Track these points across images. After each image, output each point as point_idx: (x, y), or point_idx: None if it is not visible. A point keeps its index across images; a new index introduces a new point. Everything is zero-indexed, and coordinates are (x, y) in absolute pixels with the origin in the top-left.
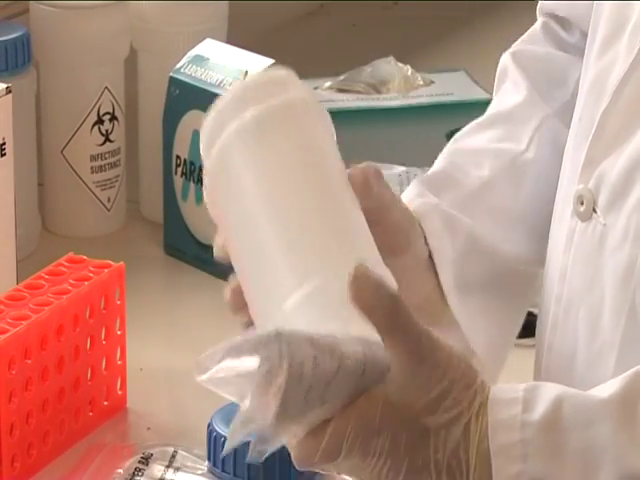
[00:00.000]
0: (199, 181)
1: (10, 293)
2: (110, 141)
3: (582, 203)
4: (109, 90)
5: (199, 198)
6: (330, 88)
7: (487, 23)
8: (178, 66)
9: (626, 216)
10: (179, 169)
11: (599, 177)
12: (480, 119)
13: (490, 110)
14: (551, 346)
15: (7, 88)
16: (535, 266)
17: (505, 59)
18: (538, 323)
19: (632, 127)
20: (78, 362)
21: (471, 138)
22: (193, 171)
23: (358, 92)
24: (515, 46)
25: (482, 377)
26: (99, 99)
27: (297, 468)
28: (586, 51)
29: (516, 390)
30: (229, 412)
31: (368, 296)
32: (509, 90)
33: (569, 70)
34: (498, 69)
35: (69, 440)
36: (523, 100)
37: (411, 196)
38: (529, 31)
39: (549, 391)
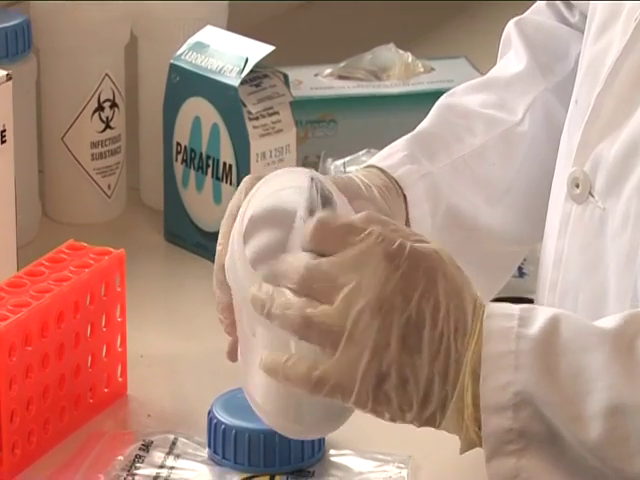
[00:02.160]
0: (199, 168)
1: (10, 280)
2: (110, 128)
3: (577, 186)
4: (109, 77)
5: (199, 185)
6: (330, 75)
7: (488, 10)
8: (178, 53)
9: (626, 200)
10: (179, 156)
11: (595, 160)
12: (476, 80)
13: (488, 74)
14: None
15: (7, 75)
16: (519, 245)
17: (509, 27)
18: None
19: (627, 111)
20: (78, 349)
21: (465, 97)
22: (193, 158)
23: (358, 79)
24: (520, 16)
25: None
26: (99, 86)
27: None
28: (585, 34)
29: (512, 308)
30: (230, 399)
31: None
32: (511, 59)
33: (571, 44)
34: (502, 37)
35: (69, 427)
36: (522, 70)
37: (397, 159)
38: (534, 5)
39: (546, 311)
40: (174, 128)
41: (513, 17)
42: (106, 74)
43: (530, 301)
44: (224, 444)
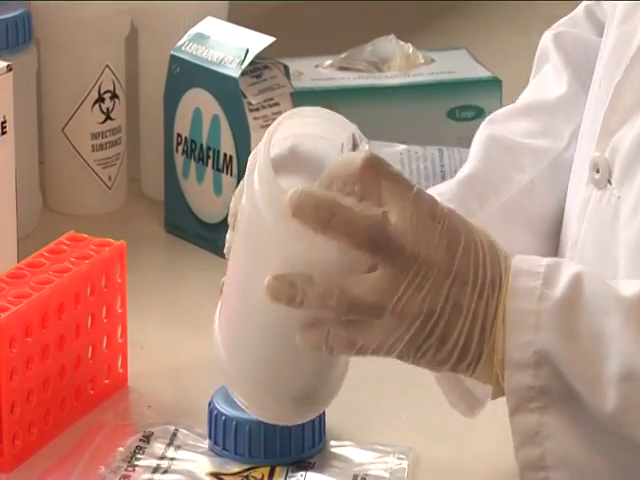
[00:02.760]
0: (200, 159)
1: (11, 271)
2: (111, 119)
3: (598, 171)
4: (110, 68)
5: (200, 176)
6: (331, 66)
7: (489, 1)
8: (179, 44)
9: (638, 189)
10: (180, 147)
11: (614, 147)
12: (518, 104)
13: (528, 95)
14: None
15: (8, 66)
16: None
17: (546, 40)
18: None
19: None
20: (79, 340)
21: (507, 125)
22: (194, 149)
23: (359, 70)
24: (557, 27)
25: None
26: (100, 77)
27: None
28: (607, 20)
29: (539, 265)
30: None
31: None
32: (550, 76)
33: None
34: (538, 49)
35: (70, 418)
36: (565, 93)
37: (448, 200)
38: (571, 14)
39: (571, 268)
40: (174, 119)
41: (514, 9)
42: (106, 65)
43: None
44: (224, 435)
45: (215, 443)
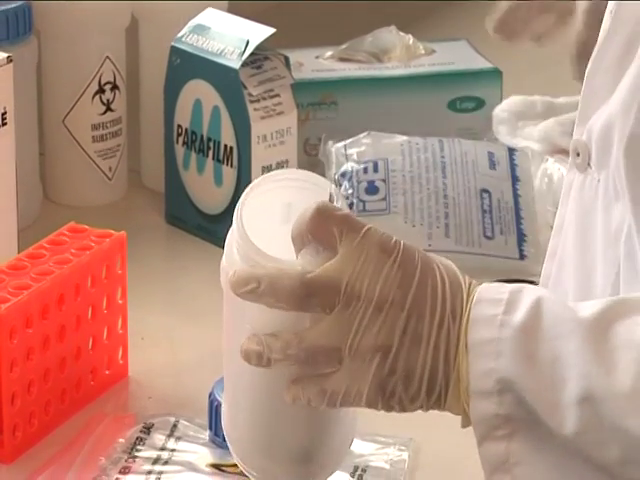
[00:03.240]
0: (200, 151)
1: (11, 262)
2: (111, 110)
3: (578, 155)
4: (110, 59)
5: (200, 167)
6: (332, 57)
7: None
8: (179, 35)
9: (610, 174)
10: (180, 138)
11: (589, 131)
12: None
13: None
14: None
15: (8, 57)
16: None
17: None
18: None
19: (612, 85)
20: (79, 331)
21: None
22: (194, 140)
23: (360, 61)
24: None
25: (468, 279)
26: (100, 68)
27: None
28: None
29: (502, 292)
30: None
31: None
32: None
33: None
34: None
35: (70, 409)
36: None
37: None
38: None
39: (532, 294)
40: (175, 110)
41: None
42: (107, 57)
43: (531, 283)
44: None
45: (215, 434)
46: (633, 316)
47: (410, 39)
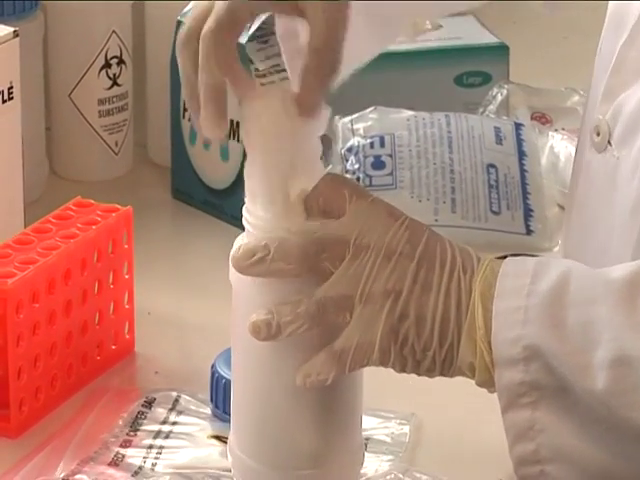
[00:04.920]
0: None
1: (18, 237)
2: (118, 85)
3: (598, 134)
4: (116, 34)
5: (207, 142)
6: None
7: None
8: (186, 10)
9: (637, 150)
10: (187, 113)
11: (616, 109)
12: None
13: None
14: None
15: (14, 32)
16: None
17: None
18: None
19: None
20: (86, 306)
21: None
22: None
23: None
24: None
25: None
26: (106, 43)
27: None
28: None
29: (527, 264)
30: None
31: None
32: None
33: None
34: None
35: (77, 384)
36: None
37: None
38: None
39: (559, 264)
40: (181, 85)
41: None
42: (113, 31)
43: None
44: (225, 399)
45: (216, 406)
46: None
47: None
